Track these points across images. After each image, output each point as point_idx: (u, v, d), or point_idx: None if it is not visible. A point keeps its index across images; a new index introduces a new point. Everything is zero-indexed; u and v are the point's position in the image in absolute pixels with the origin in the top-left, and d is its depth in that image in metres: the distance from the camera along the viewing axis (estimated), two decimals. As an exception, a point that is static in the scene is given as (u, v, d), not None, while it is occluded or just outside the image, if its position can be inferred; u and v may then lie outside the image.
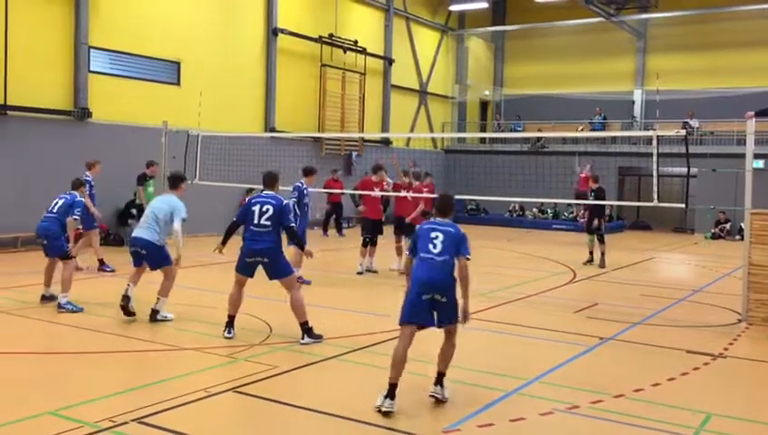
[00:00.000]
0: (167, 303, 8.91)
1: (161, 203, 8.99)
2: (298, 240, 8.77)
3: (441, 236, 6.09)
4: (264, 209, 7.96)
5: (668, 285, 13.55)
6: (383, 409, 5.82)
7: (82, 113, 16.34)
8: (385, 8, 26.20)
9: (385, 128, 26.46)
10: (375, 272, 13.42)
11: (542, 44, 30.85)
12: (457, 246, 6.05)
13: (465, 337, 8.89)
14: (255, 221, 7.97)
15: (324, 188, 19.14)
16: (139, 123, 17.18)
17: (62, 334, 8.27)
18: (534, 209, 27.31)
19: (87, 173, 12.71)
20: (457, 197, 11.65)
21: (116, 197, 16.41)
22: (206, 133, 16.10)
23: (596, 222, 15.26)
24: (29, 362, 7.21)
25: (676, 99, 25.94)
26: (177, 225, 8.75)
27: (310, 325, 8.06)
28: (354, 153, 24.58)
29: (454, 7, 29.89)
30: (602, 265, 15.18)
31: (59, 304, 9.25)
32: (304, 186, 11.79)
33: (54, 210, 9.80)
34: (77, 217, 10.10)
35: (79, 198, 10.12)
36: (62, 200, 9.91)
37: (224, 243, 8.31)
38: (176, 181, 9.24)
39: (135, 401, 5.84)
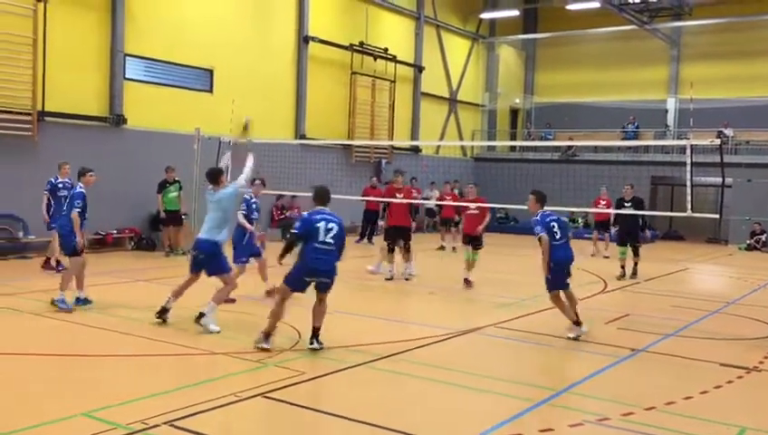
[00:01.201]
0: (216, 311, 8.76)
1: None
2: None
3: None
4: (329, 227, 7.75)
5: (702, 297, 13.34)
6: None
7: (117, 120, 16.62)
8: (415, 16, 26.25)
9: (415, 135, 26.47)
10: (409, 278, 13.40)
11: (573, 52, 30.65)
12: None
13: (494, 347, 8.89)
14: (321, 238, 7.71)
15: (363, 195, 19.30)
16: (173, 130, 17.42)
17: (95, 337, 8.39)
18: (564, 218, 27.01)
19: (57, 175, 12.72)
20: (487, 205, 11.67)
21: (149, 202, 16.63)
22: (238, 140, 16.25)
23: (636, 233, 14.82)
24: (63, 363, 7.33)
25: (711, 108, 25.58)
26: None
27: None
28: (384, 160, 24.62)
29: (485, 15, 29.87)
30: (634, 273, 14.89)
31: (53, 299, 9.45)
32: (253, 199, 11.19)
33: (65, 206, 9.84)
34: (78, 209, 9.59)
35: (79, 190, 9.73)
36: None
37: (283, 256, 7.90)
38: (215, 177, 9.09)
39: (166, 404, 5.91)
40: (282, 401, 6.18)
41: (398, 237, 13.47)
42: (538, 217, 9.23)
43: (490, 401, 6.52)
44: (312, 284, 7.87)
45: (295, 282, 7.82)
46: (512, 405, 6.37)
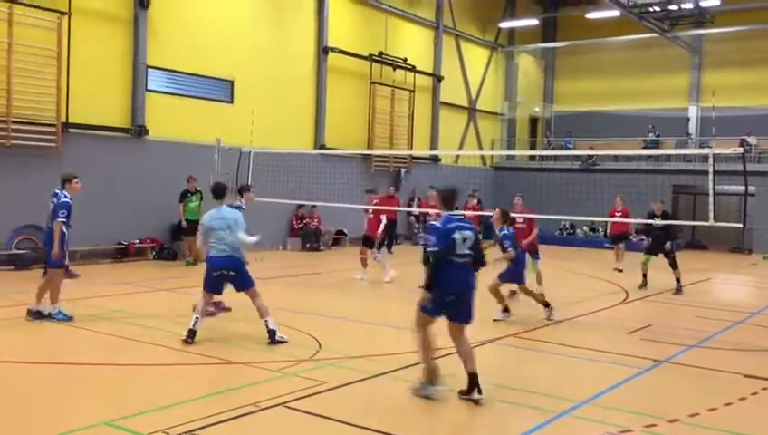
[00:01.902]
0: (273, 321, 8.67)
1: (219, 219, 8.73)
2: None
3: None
4: (464, 236, 6.63)
5: (725, 307, 13.18)
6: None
7: (139, 131, 16.81)
8: (434, 26, 26.31)
9: (434, 145, 26.48)
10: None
11: (593, 60, 30.53)
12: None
13: (513, 358, 8.83)
14: (458, 251, 6.59)
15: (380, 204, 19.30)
16: (194, 140, 17.58)
17: (116, 346, 8.45)
18: (585, 227, 26.91)
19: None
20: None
21: (170, 212, 16.77)
22: (258, 150, 16.38)
23: (668, 245, 14.36)
24: (84, 372, 7.41)
25: (733, 116, 25.31)
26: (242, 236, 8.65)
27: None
28: (403, 170, 24.65)
29: (504, 24, 29.87)
30: (678, 290, 14.24)
31: (49, 313, 9.36)
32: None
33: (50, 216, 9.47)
34: (63, 219, 9.35)
35: (64, 199, 9.40)
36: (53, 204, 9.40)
37: (428, 288, 6.60)
38: (220, 192, 8.96)
39: (188, 414, 5.94)
40: (303, 410, 6.19)
41: (368, 246, 14.68)
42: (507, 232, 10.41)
43: (509, 412, 6.48)
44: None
45: (435, 306, 6.65)
46: (531, 416, 6.32)
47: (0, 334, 8.89)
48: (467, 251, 6.63)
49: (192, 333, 8.38)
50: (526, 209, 13.11)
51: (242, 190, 10.89)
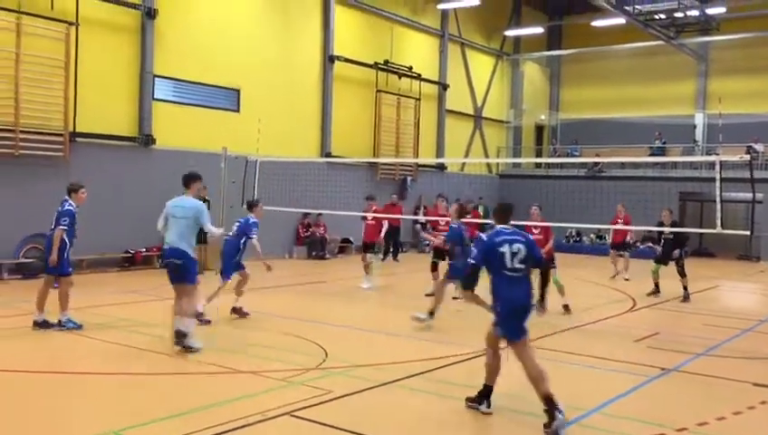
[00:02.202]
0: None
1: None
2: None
3: None
4: (514, 250, 6.44)
5: (733, 315, 13.11)
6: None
7: (147, 140, 16.88)
8: (440, 34, 26.37)
9: (440, 153, 26.50)
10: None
11: (599, 68, 30.53)
12: None
13: (521, 365, 8.78)
14: (508, 265, 6.43)
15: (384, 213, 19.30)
16: (201, 149, 17.61)
17: (122, 355, 8.45)
18: (592, 235, 26.85)
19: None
20: (513, 222, 11.56)
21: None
22: (264, 159, 16.41)
23: (676, 252, 14.30)
24: (91, 381, 7.42)
25: (740, 123, 25.23)
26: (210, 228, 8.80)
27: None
28: (409, 178, 24.67)
29: (509, 33, 29.91)
30: (686, 298, 14.18)
31: (59, 321, 9.36)
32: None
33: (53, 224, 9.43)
34: (64, 227, 9.41)
35: (68, 207, 9.50)
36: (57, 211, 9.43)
37: (476, 299, 6.70)
38: (186, 181, 8.97)
39: (194, 423, 5.94)
40: (309, 419, 6.18)
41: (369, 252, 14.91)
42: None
43: (517, 421, 6.45)
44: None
45: (508, 327, 6.45)
46: (540, 425, 6.29)
47: (6, 343, 8.91)
48: (519, 265, 6.43)
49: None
50: (543, 219, 12.98)
51: (251, 206, 11.23)
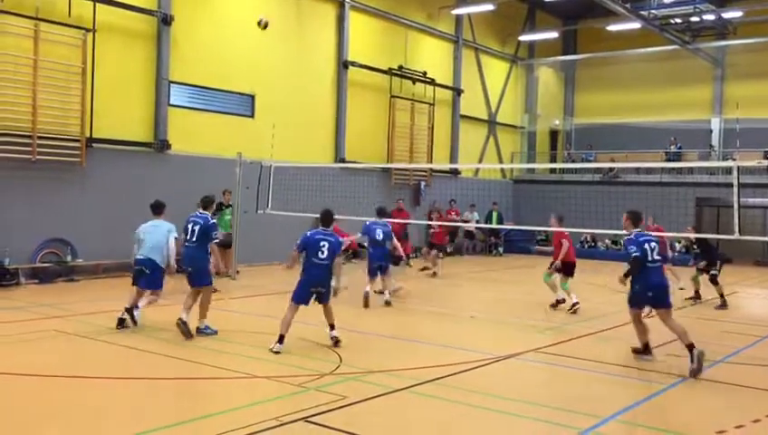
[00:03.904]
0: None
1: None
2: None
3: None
4: (652, 247, 8.72)
5: (752, 322, 12.97)
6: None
7: (162, 145, 16.98)
8: (454, 40, 26.37)
9: (453, 158, 26.47)
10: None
11: (614, 73, 30.39)
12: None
13: (536, 373, 8.75)
14: (649, 258, 8.64)
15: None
16: (215, 155, 17.72)
17: (139, 359, 8.50)
18: (607, 240, 26.68)
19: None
20: (527, 227, 11.73)
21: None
22: (278, 164, 16.46)
23: (702, 263, 14.43)
24: (108, 386, 7.44)
25: (758, 127, 25.00)
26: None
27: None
28: (423, 183, 24.65)
29: (523, 38, 29.85)
30: (722, 305, 14.12)
31: (198, 329, 9.70)
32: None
33: (194, 238, 9.83)
34: (217, 239, 10.12)
35: (212, 221, 10.03)
36: (197, 226, 9.87)
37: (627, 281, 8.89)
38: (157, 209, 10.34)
39: (209, 429, 5.95)
40: (324, 425, 6.17)
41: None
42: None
43: (533, 429, 6.41)
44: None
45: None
46: (556, 433, 6.25)
47: (24, 347, 8.98)
48: (657, 257, 8.71)
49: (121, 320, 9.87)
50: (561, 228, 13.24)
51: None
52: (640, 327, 9.15)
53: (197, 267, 9.78)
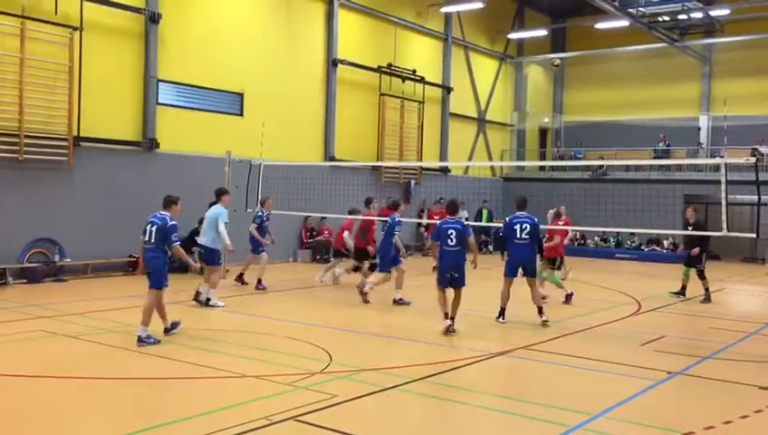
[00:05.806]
0: None
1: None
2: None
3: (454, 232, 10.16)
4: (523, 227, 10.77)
5: (739, 318, 13.06)
6: None
7: (150, 144, 16.89)
8: (443, 37, 26.38)
9: (443, 156, 26.48)
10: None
11: (603, 70, 30.51)
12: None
13: (526, 370, 8.78)
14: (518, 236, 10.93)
15: (380, 215, 19.21)
16: (204, 153, 17.65)
17: (128, 359, 8.46)
18: (596, 238, 26.78)
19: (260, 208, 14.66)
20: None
21: (180, 224, 16.73)
22: (268, 162, 16.42)
23: (695, 250, 14.40)
24: (97, 386, 7.40)
25: (745, 124, 25.17)
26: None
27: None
28: (413, 181, 24.66)
29: (513, 35, 29.89)
30: (706, 299, 14.33)
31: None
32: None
33: (151, 240, 9.63)
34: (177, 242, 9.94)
35: (171, 223, 9.82)
36: (155, 227, 9.74)
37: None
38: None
39: (199, 428, 5.93)
40: (314, 424, 6.16)
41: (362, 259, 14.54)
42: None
43: (523, 426, 6.42)
44: None
45: None
46: (545, 430, 6.26)
47: (12, 347, 8.91)
48: (525, 236, 10.93)
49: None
50: (555, 222, 14.15)
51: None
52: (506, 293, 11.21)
53: (154, 269, 9.47)
